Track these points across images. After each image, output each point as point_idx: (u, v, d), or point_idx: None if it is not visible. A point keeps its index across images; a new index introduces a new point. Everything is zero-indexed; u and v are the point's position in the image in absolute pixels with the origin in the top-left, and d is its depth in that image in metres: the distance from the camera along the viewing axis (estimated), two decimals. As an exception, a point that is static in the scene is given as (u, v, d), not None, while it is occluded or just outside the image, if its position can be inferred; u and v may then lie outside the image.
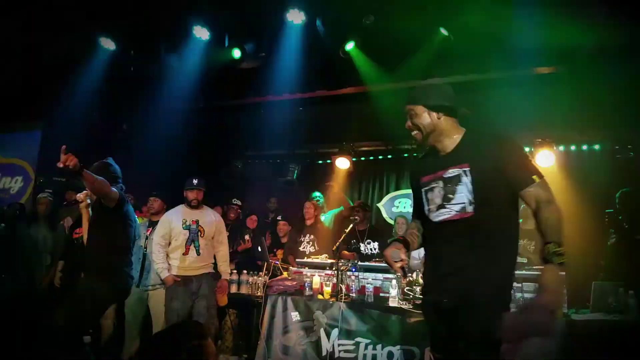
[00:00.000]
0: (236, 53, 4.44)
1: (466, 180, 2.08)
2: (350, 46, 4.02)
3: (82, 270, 4.23)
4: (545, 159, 5.77)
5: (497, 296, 2.04)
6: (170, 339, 1.73)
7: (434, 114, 2.17)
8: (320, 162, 7.68)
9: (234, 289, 4.77)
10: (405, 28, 4.26)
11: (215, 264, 4.66)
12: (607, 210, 4.75)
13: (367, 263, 4.43)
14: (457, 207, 2.09)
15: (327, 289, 4.21)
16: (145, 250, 4.64)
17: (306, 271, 4.54)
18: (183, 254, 4.42)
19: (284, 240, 5.85)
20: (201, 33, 4.42)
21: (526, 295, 3.72)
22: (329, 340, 3.92)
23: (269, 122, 6.28)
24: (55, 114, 5.92)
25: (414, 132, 2.24)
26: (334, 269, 4.29)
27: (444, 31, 3.85)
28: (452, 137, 2.19)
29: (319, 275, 4.36)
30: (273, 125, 6.33)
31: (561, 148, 6.02)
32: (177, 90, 5.24)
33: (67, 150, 2.80)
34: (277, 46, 4.60)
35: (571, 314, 3.53)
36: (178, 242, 4.44)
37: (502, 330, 1.85)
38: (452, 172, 2.12)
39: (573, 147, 6.09)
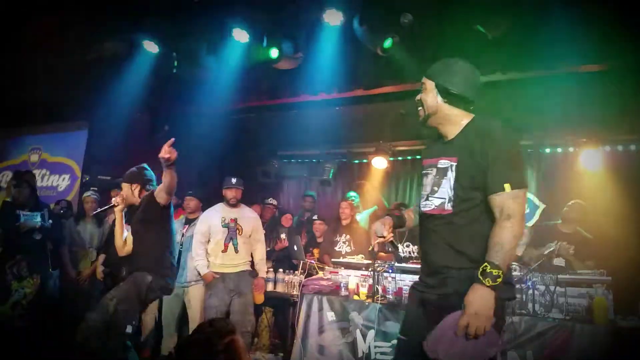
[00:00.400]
0: (273, 53, 4.48)
1: (451, 175, 1.98)
2: (388, 43, 3.96)
3: (125, 265, 4.46)
4: (591, 159, 5.58)
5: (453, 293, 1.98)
6: (204, 339, 1.77)
7: (439, 96, 2.04)
8: (356, 161, 7.67)
9: (270, 287, 4.83)
10: (444, 26, 4.20)
11: (252, 262, 4.74)
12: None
13: (404, 264, 4.39)
14: (438, 202, 2.01)
15: (363, 290, 4.20)
16: (181, 248, 4.77)
17: (342, 271, 4.55)
18: (222, 252, 4.53)
19: (320, 239, 5.87)
20: (240, 36, 4.48)
21: (570, 300, 3.60)
22: (365, 341, 3.91)
23: (305, 122, 6.32)
24: (100, 114, 6.14)
25: (419, 108, 2.11)
26: (370, 269, 4.28)
27: (481, 29, 3.75)
28: (453, 126, 2.05)
29: (355, 276, 4.35)
30: (310, 124, 6.37)
31: (607, 148, 5.78)
32: (216, 92, 5.33)
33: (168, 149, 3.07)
34: (314, 46, 4.60)
35: (617, 321, 3.40)
36: (217, 240, 4.55)
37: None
38: (443, 163, 2.02)
39: (620, 147, 5.83)
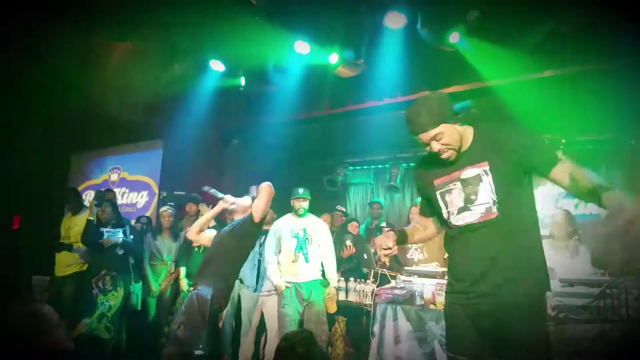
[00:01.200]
0: (332, 59, 4.49)
1: (487, 179, 2.01)
2: (455, 38, 3.82)
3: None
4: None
5: (539, 296, 2.03)
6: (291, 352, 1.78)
7: (457, 126, 2.06)
8: (424, 165, 7.49)
9: (342, 296, 4.80)
10: (510, 20, 4.02)
11: (323, 271, 4.73)
12: None
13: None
14: (483, 209, 2.02)
15: (440, 299, 4.04)
16: (260, 257, 4.85)
17: (415, 280, 4.42)
18: (292, 262, 4.56)
19: (390, 247, 5.76)
20: (302, 47, 4.54)
21: None
22: (443, 351, 3.76)
23: (370, 128, 6.27)
24: (173, 133, 6.45)
25: (447, 153, 2.06)
26: (446, 277, 4.12)
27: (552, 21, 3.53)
28: (465, 139, 2.11)
29: (430, 285, 4.22)
30: (375, 130, 6.31)
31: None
32: (280, 104, 5.44)
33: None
34: (376, 51, 4.57)
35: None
36: (287, 250, 4.59)
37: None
38: (470, 172, 2.05)
39: None
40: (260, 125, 6.13)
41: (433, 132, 2.03)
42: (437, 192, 2.16)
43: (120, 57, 6.25)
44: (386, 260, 2.20)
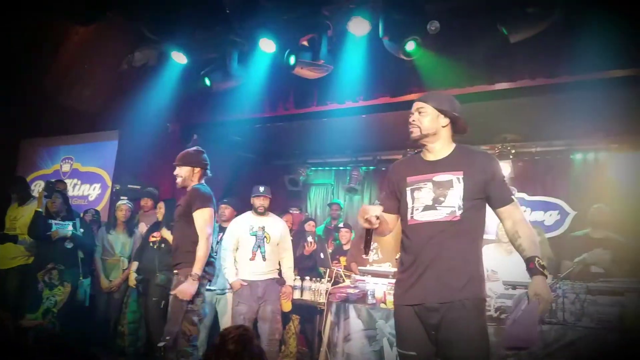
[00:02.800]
0: (291, 60, 4.54)
1: (459, 186, 2.22)
2: (411, 46, 3.95)
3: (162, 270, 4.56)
4: (622, 165, 5.47)
5: (480, 296, 2.20)
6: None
7: (442, 120, 2.31)
8: (384, 168, 7.65)
9: (296, 294, 4.84)
10: (471, 31, 4.18)
11: (280, 270, 4.76)
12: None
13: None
14: (448, 210, 2.22)
15: (390, 299, 4.16)
16: (215, 255, 4.83)
17: (369, 279, 4.53)
18: (250, 260, 4.55)
19: (346, 247, 5.87)
20: (267, 46, 4.54)
21: (601, 309, 3.50)
22: (392, 349, 3.88)
23: (332, 130, 6.35)
24: (130, 124, 6.29)
25: (414, 129, 2.34)
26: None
27: (504, 30, 3.71)
28: (445, 147, 2.34)
29: (382, 284, 4.33)
30: (337, 133, 6.39)
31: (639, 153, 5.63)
32: (244, 101, 5.40)
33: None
34: (340, 55, 4.64)
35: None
36: (245, 248, 4.58)
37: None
38: (444, 177, 2.25)
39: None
40: (223, 121, 6.06)
41: (422, 105, 2.34)
42: (408, 188, 2.35)
43: (78, 42, 6.05)
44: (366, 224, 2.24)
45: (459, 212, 2.20)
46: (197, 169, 3.65)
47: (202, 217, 3.44)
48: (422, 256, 2.22)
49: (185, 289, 3.29)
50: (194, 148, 3.77)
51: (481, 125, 5.74)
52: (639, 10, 3.57)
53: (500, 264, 4.41)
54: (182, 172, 3.63)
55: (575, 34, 3.78)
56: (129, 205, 5.46)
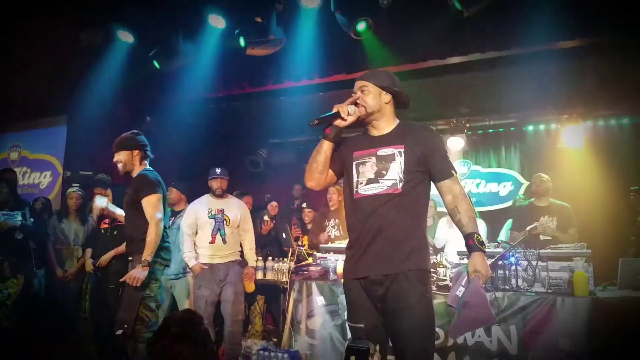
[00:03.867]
0: (241, 42, 4.44)
1: (400, 159, 2.25)
2: (362, 27, 3.94)
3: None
4: (573, 135, 5.65)
5: (424, 268, 2.23)
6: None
7: (384, 97, 2.33)
8: (344, 146, 7.67)
9: (260, 275, 4.85)
10: (421, 7, 4.18)
11: (242, 252, 4.74)
12: (632, 188, 4.62)
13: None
14: (389, 183, 2.24)
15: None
16: (168, 239, 4.74)
17: (330, 256, 4.58)
18: (210, 243, 4.50)
19: (310, 226, 5.89)
20: (216, 21, 4.41)
21: (552, 274, 3.67)
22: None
23: (291, 109, 6.27)
24: (79, 108, 6.03)
25: (359, 107, 2.31)
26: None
27: (457, 4, 3.72)
28: (389, 123, 2.37)
29: (343, 260, 4.37)
30: (296, 111, 6.32)
31: (589, 124, 5.86)
32: (196, 80, 5.26)
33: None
34: (293, 31, 4.55)
35: (597, 292, 3.48)
36: (204, 231, 4.51)
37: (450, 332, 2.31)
38: (386, 150, 2.28)
39: (601, 122, 5.92)
40: (177, 102, 5.89)
41: (361, 83, 2.35)
42: (354, 162, 2.36)
43: (20, 26, 5.71)
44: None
45: (400, 185, 2.22)
46: (135, 152, 3.50)
47: (150, 203, 3.34)
48: (365, 230, 2.24)
49: (135, 274, 3.22)
50: (130, 132, 3.61)
51: (435, 101, 5.85)
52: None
53: (453, 235, 4.54)
54: (121, 158, 3.48)
55: (523, 7, 3.84)
56: (80, 192, 5.27)
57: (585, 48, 4.16)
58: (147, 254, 3.26)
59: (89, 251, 4.97)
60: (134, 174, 3.50)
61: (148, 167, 3.57)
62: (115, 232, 4.69)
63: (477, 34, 4.08)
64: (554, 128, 6.09)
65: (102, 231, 4.82)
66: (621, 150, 5.56)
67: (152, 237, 3.29)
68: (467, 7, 3.71)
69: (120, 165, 3.49)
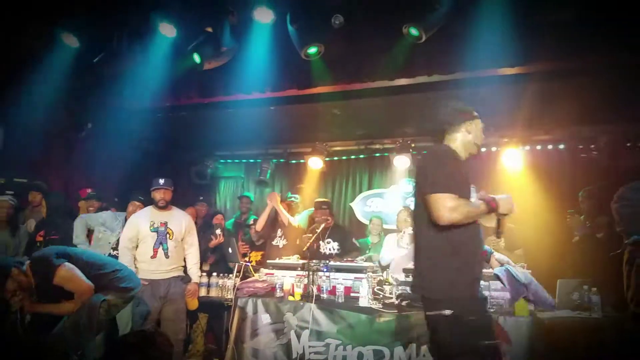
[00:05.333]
0: (196, 58, 4.37)
1: None
2: (312, 50, 4.00)
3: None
4: (512, 158, 5.91)
5: None
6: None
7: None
8: (293, 161, 7.66)
9: (203, 291, 4.69)
10: (373, 28, 4.26)
11: (185, 267, 4.57)
12: (569, 211, 4.87)
13: (338, 263, 4.42)
14: None
15: (298, 290, 4.17)
16: (114, 251, 4.55)
17: (277, 272, 4.51)
18: (151, 257, 4.34)
19: (259, 243, 5.81)
20: (167, 30, 4.30)
21: (494, 293, 3.76)
22: (299, 342, 3.89)
23: (240, 122, 6.19)
24: (15, 113, 5.67)
25: None
26: (305, 269, 4.27)
27: (414, 31, 3.83)
28: None
29: (290, 277, 4.32)
30: (245, 124, 6.24)
31: (527, 148, 6.15)
32: (142, 88, 5.08)
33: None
34: (245, 44, 4.50)
35: (537, 312, 3.60)
36: (146, 245, 4.35)
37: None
38: None
39: (539, 147, 6.23)
40: (120, 109, 5.67)
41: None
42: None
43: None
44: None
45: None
46: None
47: None
48: None
49: None
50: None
51: (382, 120, 5.97)
52: (528, 10, 3.85)
53: (401, 252, 4.60)
54: None
55: (469, 33, 3.98)
56: (12, 202, 4.94)
57: (526, 75, 4.38)
58: None
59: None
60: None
61: None
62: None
63: (424, 57, 4.21)
64: (494, 151, 6.34)
65: (37, 244, 4.52)
66: (558, 174, 5.86)
67: None
68: (426, 32, 3.80)
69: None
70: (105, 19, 4.50)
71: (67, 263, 3.22)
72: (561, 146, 6.17)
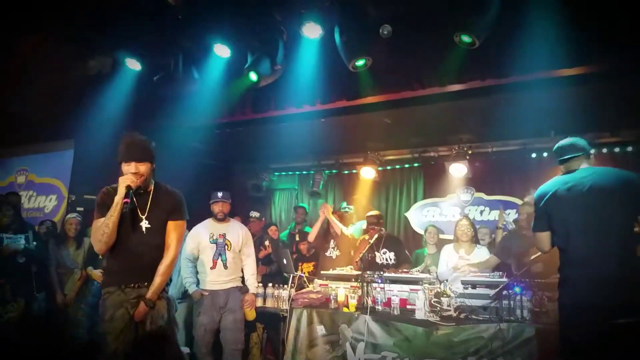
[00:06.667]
0: (252, 77, 4.52)
1: None
2: (360, 63, 4.04)
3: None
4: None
5: None
6: None
7: None
8: (346, 172, 7.69)
9: (259, 302, 4.77)
10: (422, 37, 4.23)
11: (243, 278, 4.68)
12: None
13: (392, 274, 4.38)
14: None
15: (353, 302, 4.17)
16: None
17: (331, 284, 4.52)
18: (210, 268, 4.46)
19: (308, 254, 5.87)
20: (221, 51, 4.49)
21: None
22: (355, 354, 3.87)
23: (293, 134, 6.32)
24: (85, 133, 6.11)
25: None
26: (359, 280, 4.26)
27: (466, 38, 3.77)
28: None
29: (344, 288, 4.33)
30: (298, 137, 6.37)
31: (593, 151, 5.83)
32: (200, 107, 5.33)
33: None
34: (295, 58, 4.62)
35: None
36: (205, 256, 4.48)
37: None
38: None
39: (605, 150, 5.92)
40: (180, 127, 5.96)
41: None
42: None
43: (28, 50, 5.84)
44: None
45: None
46: (153, 165, 3.09)
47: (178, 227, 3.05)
48: None
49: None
50: (143, 137, 3.19)
51: (436, 127, 5.87)
52: (583, 11, 3.69)
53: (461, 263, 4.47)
54: (143, 170, 2.98)
55: (522, 35, 3.87)
56: (79, 218, 5.29)
57: (584, 75, 4.18)
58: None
59: (90, 269, 5.02)
60: (150, 189, 3.06)
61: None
62: None
63: (477, 62, 4.11)
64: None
65: (100, 257, 4.83)
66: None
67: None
68: (478, 37, 3.73)
69: (140, 179, 2.96)
70: (164, 43, 4.76)
71: None
72: (629, 148, 5.80)
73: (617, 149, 5.87)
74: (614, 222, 2.59)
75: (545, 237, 2.92)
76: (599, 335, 2.46)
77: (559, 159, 2.96)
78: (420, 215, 7.14)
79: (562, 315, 2.76)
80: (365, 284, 4.10)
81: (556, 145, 3.01)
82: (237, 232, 4.65)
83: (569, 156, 2.89)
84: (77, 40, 5.25)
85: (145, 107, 5.75)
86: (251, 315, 4.61)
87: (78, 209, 5.47)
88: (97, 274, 4.99)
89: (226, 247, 4.54)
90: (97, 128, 5.85)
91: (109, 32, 4.92)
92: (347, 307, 4.15)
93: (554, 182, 2.92)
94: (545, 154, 6.16)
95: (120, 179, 2.92)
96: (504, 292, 3.67)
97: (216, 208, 4.58)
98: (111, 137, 5.93)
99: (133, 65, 5.13)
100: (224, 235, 4.56)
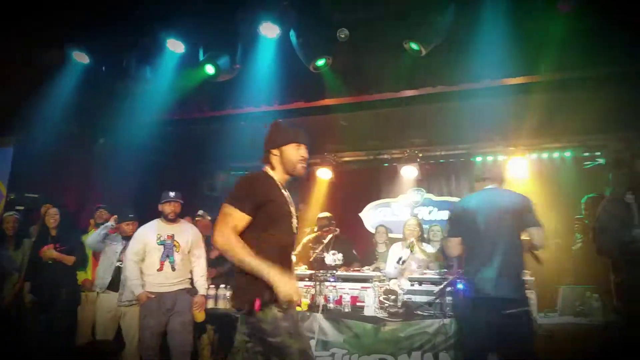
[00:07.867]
0: (209, 69, 4.45)
1: None
2: (320, 63, 4.08)
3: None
4: (518, 167, 5.92)
5: None
6: None
7: None
8: (303, 173, 7.70)
9: (211, 303, 4.70)
10: (377, 42, 4.33)
11: (192, 279, 4.59)
12: (577, 217, 4.87)
13: (345, 272, 4.44)
14: None
15: (305, 301, 4.19)
16: (121, 264, 4.61)
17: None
18: (157, 270, 4.30)
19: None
20: (175, 46, 4.41)
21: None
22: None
23: (250, 134, 6.25)
24: (29, 129, 5.80)
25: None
26: (312, 280, 4.29)
27: (414, 45, 3.90)
28: None
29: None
30: (254, 136, 6.29)
31: (534, 156, 6.17)
32: (153, 103, 5.18)
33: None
34: (253, 58, 4.60)
35: (538, 318, 3.60)
36: (152, 258, 4.33)
37: None
38: None
39: (545, 155, 6.24)
40: (132, 124, 5.77)
41: None
42: None
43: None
44: None
45: None
46: None
47: None
48: None
49: None
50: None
51: (389, 131, 6.02)
52: (530, 22, 3.89)
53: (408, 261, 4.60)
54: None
55: (472, 45, 4.04)
56: (17, 216, 5.03)
57: (529, 84, 4.41)
58: None
59: (27, 285, 4.73)
60: None
61: None
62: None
63: (429, 69, 4.27)
64: (501, 159, 6.36)
65: (49, 261, 4.63)
66: (563, 182, 5.86)
67: None
68: (425, 47, 3.86)
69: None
70: (115, 36, 4.62)
71: None
72: (567, 154, 6.17)
73: (556, 154, 6.21)
74: (506, 232, 3.12)
75: (456, 242, 3.33)
76: (489, 324, 2.98)
77: (476, 181, 3.43)
78: (373, 216, 7.29)
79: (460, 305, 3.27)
80: (317, 283, 4.14)
81: (476, 167, 3.35)
82: (186, 233, 4.52)
83: (484, 178, 3.37)
84: (22, 32, 5.01)
85: (94, 101, 5.55)
86: (200, 317, 4.52)
87: (18, 207, 5.17)
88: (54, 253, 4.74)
89: (174, 248, 4.41)
90: (40, 123, 5.58)
91: (57, 22, 4.72)
92: (300, 305, 4.16)
93: (467, 198, 3.48)
94: (489, 158, 6.45)
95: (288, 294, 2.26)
96: (448, 289, 3.81)
97: (167, 208, 4.44)
98: (56, 132, 5.72)
99: (81, 58, 4.94)
100: (172, 237, 4.41)
